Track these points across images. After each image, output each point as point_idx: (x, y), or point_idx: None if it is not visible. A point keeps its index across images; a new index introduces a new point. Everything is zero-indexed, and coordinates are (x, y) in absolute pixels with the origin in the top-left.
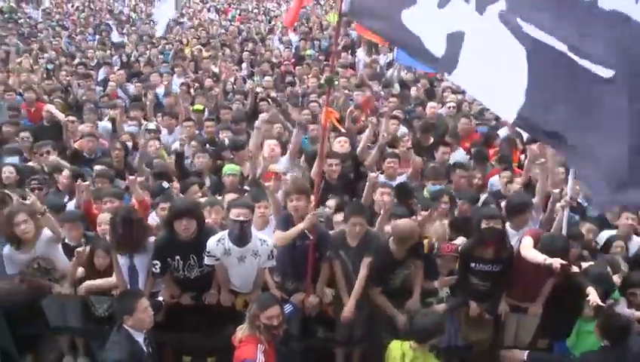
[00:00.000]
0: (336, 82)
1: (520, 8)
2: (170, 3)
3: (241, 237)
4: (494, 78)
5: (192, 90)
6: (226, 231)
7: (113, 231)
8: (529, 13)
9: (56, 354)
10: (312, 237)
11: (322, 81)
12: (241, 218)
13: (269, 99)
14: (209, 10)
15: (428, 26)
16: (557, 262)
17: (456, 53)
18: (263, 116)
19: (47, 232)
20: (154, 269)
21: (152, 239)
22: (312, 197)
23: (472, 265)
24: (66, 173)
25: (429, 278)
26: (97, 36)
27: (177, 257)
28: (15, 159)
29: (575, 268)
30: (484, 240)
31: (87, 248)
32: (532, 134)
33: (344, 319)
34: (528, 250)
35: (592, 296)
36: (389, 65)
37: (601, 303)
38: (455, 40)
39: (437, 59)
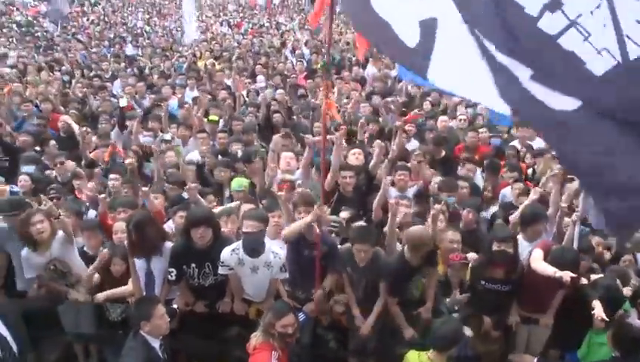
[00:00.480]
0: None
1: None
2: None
3: (254, 248)
4: (476, 70)
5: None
6: (241, 241)
7: (129, 234)
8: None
9: (57, 355)
10: (317, 244)
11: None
12: (250, 229)
13: (282, 111)
14: (221, 24)
15: (398, 10)
16: (567, 275)
17: (431, 43)
18: (276, 138)
19: (61, 233)
20: (170, 277)
21: (168, 244)
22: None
23: (482, 282)
24: (91, 185)
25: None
26: (112, 49)
27: (193, 265)
28: (31, 168)
29: (584, 281)
30: (495, 262)
31: (106, 252)
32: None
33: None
34: (538, 263)
35: (597, 309)
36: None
37: (605, 317)
38: (428, 28)
39: (409, 49)
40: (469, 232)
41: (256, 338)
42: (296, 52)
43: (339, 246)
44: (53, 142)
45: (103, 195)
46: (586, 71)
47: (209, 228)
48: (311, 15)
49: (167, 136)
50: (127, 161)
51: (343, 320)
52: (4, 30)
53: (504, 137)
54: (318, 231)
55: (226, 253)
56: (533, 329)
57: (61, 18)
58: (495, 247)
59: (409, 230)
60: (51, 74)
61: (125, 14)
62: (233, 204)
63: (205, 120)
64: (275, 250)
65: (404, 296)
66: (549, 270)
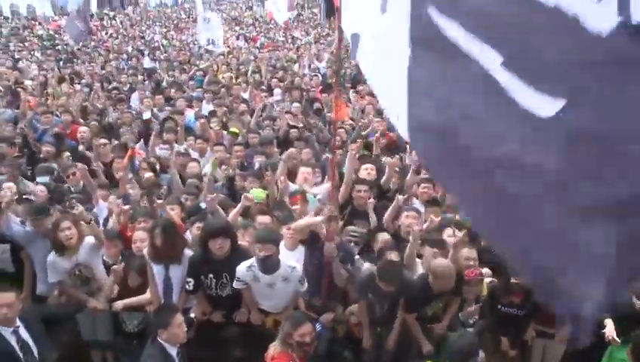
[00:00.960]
0: None
1: None
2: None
3: (268, 268)
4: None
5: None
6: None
7: (152, 240)
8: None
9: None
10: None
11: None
12: (263, 253)
13: (300, 125)
14: (237, 38)
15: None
16: None
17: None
18: (291, 152)
19: (89, 240)
20: (187, 287)
21: (188, 253)
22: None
23: (499, 306)
24: (112, 198)
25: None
26: (130, 62)
27: (210, 275)
28: (45, 178)
29: None
30: (513, 291)
31: (122, 265)
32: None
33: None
34: None
35: (608, 328)
36: None
37: (615, 337)
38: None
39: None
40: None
41: (274, 348)
42: (312, 66)
43: (357, 256)
44: (67, 153)
45: (127, 206)
46: None
47: (227, 238)
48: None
49: (182, 149)
50: (146, 175)
51: (357, 332)
52: (27, 44)
53: None
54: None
55: (242, 269)
56: (549, 344)
57: (78, 34)
58: (513, 279)
59: (435, 263)
60: (71, 86)
61: (143, 28)
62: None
63: (225, 132)
64: (291, 263)
65: (418, 314)
66: None
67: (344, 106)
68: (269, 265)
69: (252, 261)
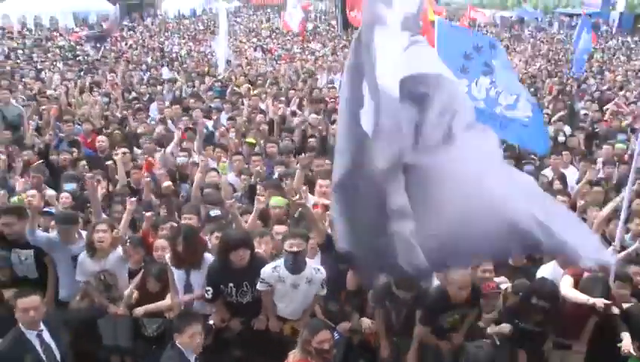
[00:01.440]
0: None
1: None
2: (222, 41)
3: (295, 265)
4: None
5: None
6: (282, 259)
7: (174, 246)
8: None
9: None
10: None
11: None
12: (295, 249)
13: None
14: (255, 50)
15: None
16: (600, 302)
17: None
18: (309, 160)
19: (120, 251)
20: (206, 295)
21: (208, 258)
22: None
23: (516, 321)
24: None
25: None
26: (149, 72)
27: (231, 284)
28: (72, 186)
29: (616, 310)
30: (533, 312)
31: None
32: None
33: None
34: (569, 290)
35: (625, 341)
36: None
37: (632, 350)
38: None
39: None
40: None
41: (293, 355)
42: (328, 77)
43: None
44: (83, 162)
45: (149, 213)
46: None
47: (247, 249)
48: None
49: (200, 158)
50: (164, 185)
51: (373, 341)
52: (49, 55)
53: (537, 164)
54: None
55: (267, 270)
56: (566, 355)
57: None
58: (534, 301)
59: (452, 272)
60: (92, 96)
61: (162, 39)
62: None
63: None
64: (316, 265)
65: (434, 326)
66: (581, 297)
67: None
68: (297, 263)
69: (278, 262)
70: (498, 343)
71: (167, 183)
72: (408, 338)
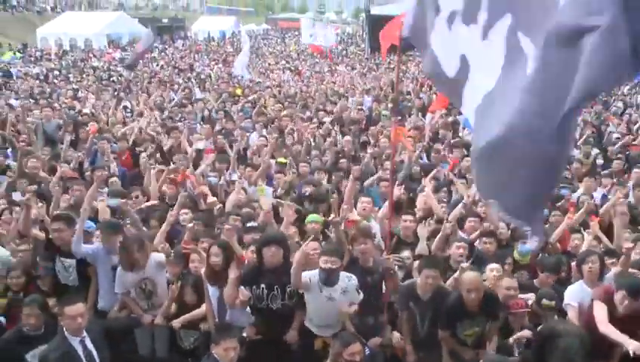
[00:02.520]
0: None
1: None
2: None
3: (329, 280)
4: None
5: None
6: (317, 271)
7: (209, 262)
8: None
9: None
10: None
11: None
12: (329, 266)
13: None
14: (283, 71)
15: (443, 44)
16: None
17: (465, 77)
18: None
19: (156, 257)
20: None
21: None
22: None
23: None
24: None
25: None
26: (181, 93)
27: (263, 286)
28: (116, 201)
29: None
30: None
31: (179, 284)
32: None
33: None
34: (606, 327)
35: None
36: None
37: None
38: (464, 63)
39: (449, 79)
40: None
41: None
42: (357, 99)
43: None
44: (115, 178)
45: (191, 224)
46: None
47: (280, 248)
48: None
49: (234, 177)
50: (209, 200)
51: (400, 353)
52: (84, 75)
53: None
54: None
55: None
56: None
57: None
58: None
59: (462, 275)
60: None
61: (191, 60)
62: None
63: (274, 161)
64: (347, 273)
65: (453, 333)
66: (619, 338)
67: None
68: (330, 278)
69: (312, 273)
70: (517, 353)
71: (212, 199)
72: (435, 353)
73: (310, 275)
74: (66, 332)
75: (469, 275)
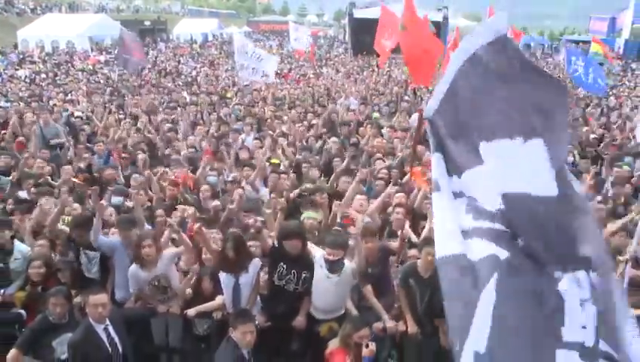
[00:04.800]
0: None
1: None
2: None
3: (332, 269)
4: None
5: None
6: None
7: (224, 251)
8: None
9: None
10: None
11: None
12: (332, 257)
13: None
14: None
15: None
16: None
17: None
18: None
19: (168, 252)
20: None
21: (257, 261)
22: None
23: None
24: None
25: None
26: (169, 96)
27: (284, 265)
28: (120, 199)
29: None
30: None
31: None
32: None
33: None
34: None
35: None
36: None
37: None
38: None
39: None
40: None
41: (333, 344)
42: (344, 102)
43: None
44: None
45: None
46: None
47: (300, 240)
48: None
49: (230, 177)
50: (213, 204)
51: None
52: (71, 77)
53: None
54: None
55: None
56: None
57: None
58: None
59: None
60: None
61: (175, 63)
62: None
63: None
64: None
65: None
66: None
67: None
68: (333, 268)
69: (320, 257)
70: None
71: (216, 203)
72: (430, 327)
73: (318, 262)
74: (91, 320)
75: None
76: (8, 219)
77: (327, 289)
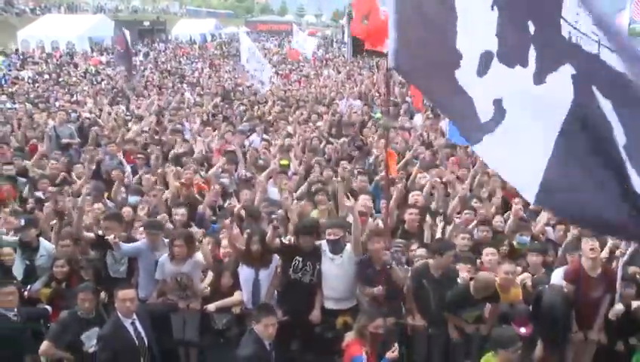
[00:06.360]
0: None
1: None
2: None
3: (335, 248)
4: (520, 153)
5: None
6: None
7: (248, 246)
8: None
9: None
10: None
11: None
12: (332, 237)
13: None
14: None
15: (478, 88)
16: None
17: (498, 122)
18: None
19: (198, 257)
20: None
21: (276, 257)
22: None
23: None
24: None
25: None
26: (172, 97)
27: (299, 259)
28: (137, 198)
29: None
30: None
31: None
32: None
33: None
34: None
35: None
36: None
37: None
38: (499, 108)
39: (480, 125)
40: None
41: (349, 336)
42: (347, 103)
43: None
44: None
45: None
46: None
47: (313, 237)
48: None
49: (248, 174)
50: (226, 204)
51: (408, 330)
52: (73, 78)
53: None
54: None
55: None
56: (580, 345)
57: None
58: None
59: (478, 276)
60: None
61: (175, 63)
62: None
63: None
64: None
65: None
66: None
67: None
68: (336, 247)
69: (324, 246)
70: None
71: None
72: (443, 327)
73: (323, 249)
74: (119, 315)
75: (484, 276)
76: (34, 218)
77: (333, 274)
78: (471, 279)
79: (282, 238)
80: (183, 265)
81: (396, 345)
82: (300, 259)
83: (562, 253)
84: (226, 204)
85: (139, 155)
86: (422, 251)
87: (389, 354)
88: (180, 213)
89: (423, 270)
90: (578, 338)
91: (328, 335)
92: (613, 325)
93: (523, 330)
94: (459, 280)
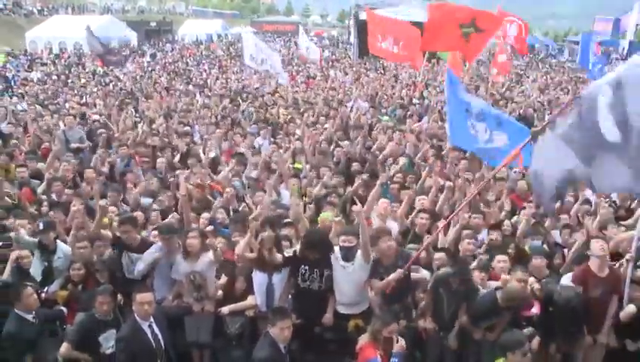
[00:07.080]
0: None
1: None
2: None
3: (348, 255)
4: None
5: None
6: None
7: (261, 251)
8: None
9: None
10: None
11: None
12: (347, 244)
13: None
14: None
15: None
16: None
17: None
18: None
19: (210, 255)
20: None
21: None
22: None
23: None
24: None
25: None
26: (181, 98)
27: (306, 267)
28: (149, 200)
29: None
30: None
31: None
32: None
33: None
34: None
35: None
36: None
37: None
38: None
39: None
40: None
41: (363, 340)
42: (354, 105)
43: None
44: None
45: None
46: None
47: (318, 250)
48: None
49: (254, 174)
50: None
51: (422, 334)
52: (82, 80)
53: None
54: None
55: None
56: (589, 348)
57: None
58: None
59: (509, 287)
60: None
61: (182, 65)
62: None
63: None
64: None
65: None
66: None
67: None
68: (349, 254)
69: (337, 252)
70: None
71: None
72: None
73: (335, 256)
74: (136, 317)
75: (515, 288)
76: (52, 221)
77: (344, 281)
78: (496, 289)
79: (287, 249)
80: (196, 263)
81: (401, 338)
82: (307, 268)
83: (569, 263)
84: (240, 208)
85: (144, 159)
86: (440, 255)
87: (396, 347)
88: (206, 216)
89: (441, 280)
90: (587, 342)
91: (339, 337)
92: (621, 327)
93: (534, 310)
94: (483, 290)
